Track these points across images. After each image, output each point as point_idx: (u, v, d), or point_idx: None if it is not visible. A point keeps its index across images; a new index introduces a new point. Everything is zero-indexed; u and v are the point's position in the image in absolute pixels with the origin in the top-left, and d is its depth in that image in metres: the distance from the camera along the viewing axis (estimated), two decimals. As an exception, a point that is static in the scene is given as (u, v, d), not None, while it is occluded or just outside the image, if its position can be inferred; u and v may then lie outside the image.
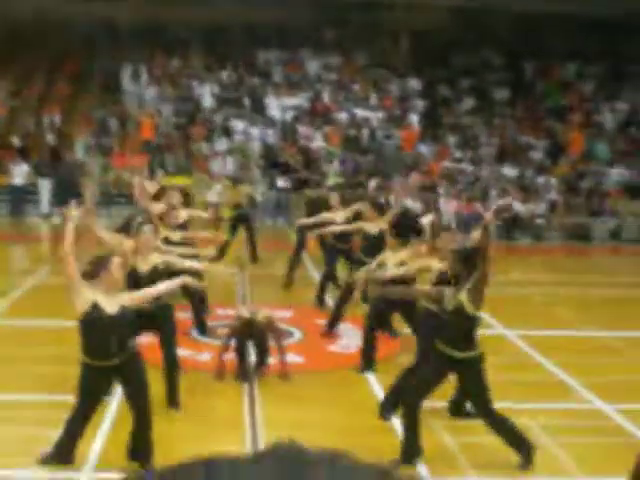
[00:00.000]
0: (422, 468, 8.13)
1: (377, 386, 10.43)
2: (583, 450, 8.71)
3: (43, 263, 18.24)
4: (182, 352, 11.49)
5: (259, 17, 32.60)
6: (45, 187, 27.14)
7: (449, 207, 26.28)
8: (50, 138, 29.15)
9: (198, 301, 12.62)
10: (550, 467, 8.38)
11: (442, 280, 8.78)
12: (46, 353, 11.38)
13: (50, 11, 31.71)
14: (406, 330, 12.23)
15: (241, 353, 10.31)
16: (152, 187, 14.67)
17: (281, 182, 27.39)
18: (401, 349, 12.04)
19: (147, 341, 10.19)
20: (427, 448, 8.46)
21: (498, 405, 9.68)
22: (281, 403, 9.39)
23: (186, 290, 11.48)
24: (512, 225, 26.27)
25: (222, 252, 18.29)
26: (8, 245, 22.75)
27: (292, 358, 11.42)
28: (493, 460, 8.43)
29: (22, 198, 27.18)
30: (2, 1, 32.00)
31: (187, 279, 8.62)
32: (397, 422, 9.11)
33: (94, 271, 7.50)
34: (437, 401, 9.65)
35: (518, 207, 26.63)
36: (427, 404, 9.49)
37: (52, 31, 31.98)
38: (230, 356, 10.68)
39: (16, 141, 28.97)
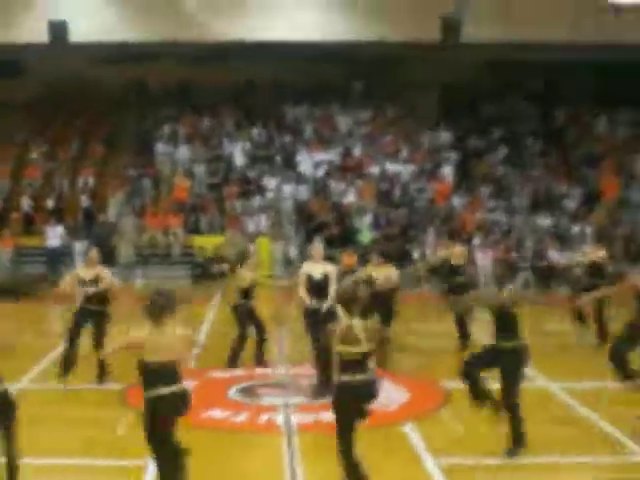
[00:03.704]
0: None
1: (418, 441, 10.19)
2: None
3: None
4: (219, 413, 11.37)
5: (287, 74, 32.79)
6: (79, 249, 27.27)
7: (486, 257, 26.07)
8: (84, 200, 29.33)
9: None
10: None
11: None
12: (83, 416, 11.27)
13: (83, 74, 32.08)
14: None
15: None
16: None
17: (316, 239, 27.22)
18: (444, 404, 11.85)
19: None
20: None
21: (545, 460, 9.49)
22: (320, 460, 9.17)
23: None
24: (549, 275, 26.00)
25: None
26: (44, 307, 22.77)
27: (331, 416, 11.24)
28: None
29: (57, 259, 27.30)
30: (35, 65, 32.42)
31: None
32: (439, 477, 8.90)
33: None
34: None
35: (554, 256, 26.37)
36: (472, 460, 9.31)
37: (85, 93, 32.34)
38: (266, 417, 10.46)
39: (50, 203, 29.19)
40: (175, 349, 7.58)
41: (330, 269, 13.28)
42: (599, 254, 16.47)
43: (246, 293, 14.45)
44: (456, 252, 16.55)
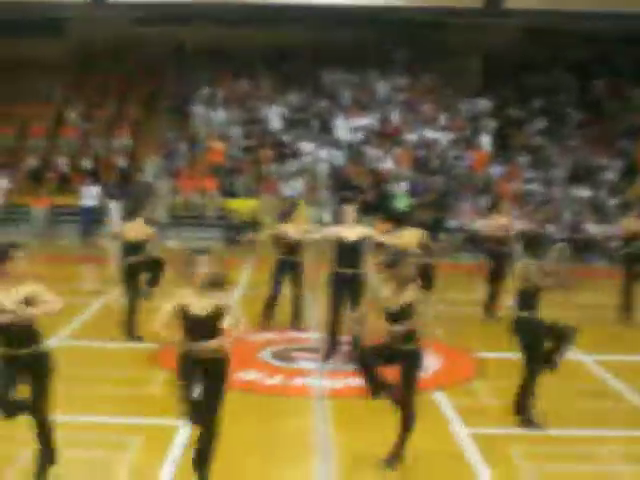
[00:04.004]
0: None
1: (449, 410, 10.15)
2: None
3: (113, 284, 18.24)
4: (252, 375, 11.37)
5: (326, 38, 32.57)
6: (115, 209, 27.35)
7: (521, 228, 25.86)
8: (120, 161, 29.40)
9: None
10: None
11: None
12: (115, 375, 11.32)
13: (121, 34, 32.06)
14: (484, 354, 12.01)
15: None
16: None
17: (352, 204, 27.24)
18: (476, 374, 11.79)
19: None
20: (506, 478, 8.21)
21: (576, 432, 9.41)
22: (351, 424, 9.16)
23: None
24: (586, 247, 25.78)
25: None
26: (79, 266, 22.91)
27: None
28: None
29: (92, 219, 27.41)
30: (74, 25, 32.44)
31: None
32: (469, 446, 8.86)
33: None
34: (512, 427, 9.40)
35: (592, 229, 26.13)
36: (503, 431, 9.26)
37: (123, 54, 32.32)
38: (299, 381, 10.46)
39: (87, 164, 29.28)
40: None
41: (367, 231, 12.42)
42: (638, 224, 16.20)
43: (290, 249, 14.23)
44: (500, 222, 16.22)
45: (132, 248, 13.34)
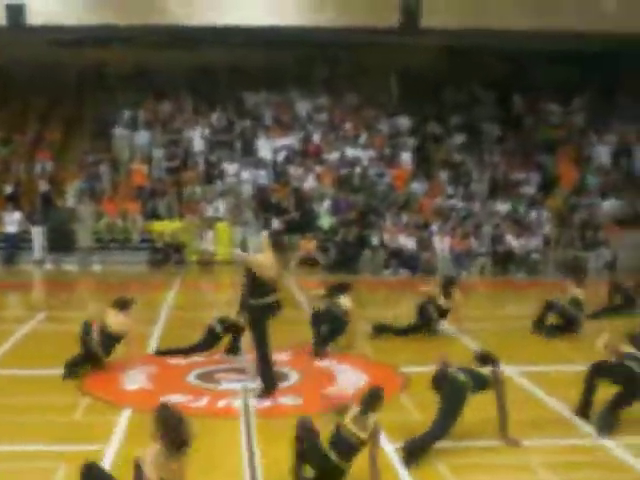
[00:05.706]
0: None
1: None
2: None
3: (37, 310, 18.07)
4: (179, 398, 11.37)
5: (247, 59, 32.67)
6: (38, 234, 27.05)
7: (443, 244, 26.26)
8: (42, 185, 29.08)
9: None
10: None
11: None
12: (40, 402, 11.23)
13: (40, 57, 31.73)
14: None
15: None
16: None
17: (275, 224, 27.39)
18: (402, 388, 11.94)
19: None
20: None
21: (496, 442, 9.60)
22: (280, 446, 9.23)
23: None
24: (507, 260, 26.21)
25: None
26: (2, 293, 22.59)
27: (290, 400, 11.31)
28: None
29: (15, 246, 27.05)
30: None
31: None
32: (395, 461, 8.99)
33: None
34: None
35: (512, 242, 26.57)
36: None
37: (42, 77, 32.00)
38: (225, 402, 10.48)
39: (7, 189, 28.91)
40: None
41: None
42: None
43: None
44: None
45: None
